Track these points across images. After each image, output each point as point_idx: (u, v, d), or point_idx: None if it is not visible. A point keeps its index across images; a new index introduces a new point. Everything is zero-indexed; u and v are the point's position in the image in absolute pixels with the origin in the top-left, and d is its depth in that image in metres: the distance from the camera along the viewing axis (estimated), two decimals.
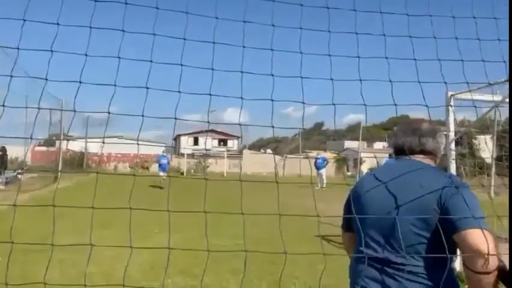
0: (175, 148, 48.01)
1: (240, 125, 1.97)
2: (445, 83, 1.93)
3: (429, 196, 1.45)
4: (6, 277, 1.44)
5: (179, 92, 2.19)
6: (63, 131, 19.20)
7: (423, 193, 1.46)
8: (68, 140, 22.82)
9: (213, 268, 4.71)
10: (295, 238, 6.55)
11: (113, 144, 31.06)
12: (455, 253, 1.42)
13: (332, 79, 2.84)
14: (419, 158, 1.68)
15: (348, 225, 1.83)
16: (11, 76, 1.67)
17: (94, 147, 28.66)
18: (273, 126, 1.79)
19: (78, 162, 25.29)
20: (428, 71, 3.37)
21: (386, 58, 2.87)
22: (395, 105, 1.77)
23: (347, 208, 1.79)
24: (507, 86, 4.28)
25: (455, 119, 5.35)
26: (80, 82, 1.63)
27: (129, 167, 33.64)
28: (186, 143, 44.71)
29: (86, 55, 1.70)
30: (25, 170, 16.07)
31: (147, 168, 33.85)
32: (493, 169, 13.81)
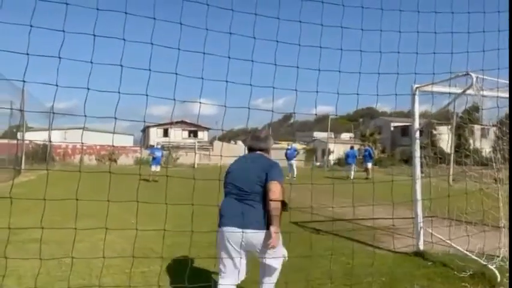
0: (144, 140, 47.03)
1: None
2: (415, 73, 2.15)
3: (262, 167, 3.17)
4: None
5: (149, 70, 2.25)
6: (25, 122, 18.39)
7: (260, 167, 3.18)
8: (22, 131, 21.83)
9: (192, 254, 4.82)
10: None
11: (77, 136, 29.98)
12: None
13: (297, 67, 2.99)
14: (259, 152, 3.40)
15: (225, 184, 3.35)
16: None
17: (57, 139, 27.60)
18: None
19: (41, 155, 24.28)
20: (393, 66, 3.60)
21: (361, 52, 3.06)
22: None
23: (226, 174, 3.37)
24: (465, 78, 4.63)
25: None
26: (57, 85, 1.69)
27: (95, 159, 32.68)
28: (156, 135, 43.90)
29: (59, 57, 1.75)
30: None
31: (115, 160, 33.01)
32: (452, 158, 14.62)
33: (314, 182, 8.13)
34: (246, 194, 3.10)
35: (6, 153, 17.01)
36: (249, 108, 2.87)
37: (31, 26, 1.73)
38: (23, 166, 17.61)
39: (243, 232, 2.98)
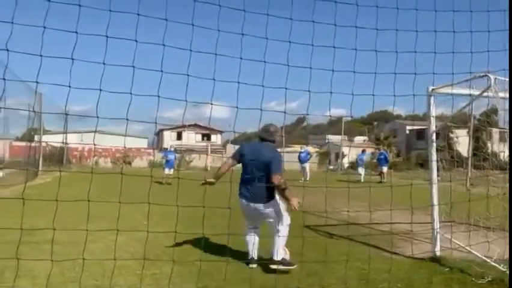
0: (158, 143, 47.46)
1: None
2: (433, 73, 2.08)
3: (268, 155, 4.29)
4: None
5: (161, 71, 2.23)
6: (42, 125, 18.76)
7: (266, 154, 4.31)
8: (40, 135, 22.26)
9: (203, 257, 4.80)
10: None
11: (93, 139, 30.40)
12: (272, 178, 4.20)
13: (310, 67, 2.94)
14: (266, 142, 4.52)
15: (236, 159, 4.57)
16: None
17: (73, 141, 28.06)
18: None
19: (58, 158, 24.72)
20: (408, 67, 3.52)
21: (376, 52, 3.00)
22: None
23: (239, 153, 4.56)
24: (483, 79, 4.49)
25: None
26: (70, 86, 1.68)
27: (111, 162, 33.11)
28: (169, 138, 44.26)
29: (72, 58, 1.74)
30: (4, 165, 15.64)
31: (129, 163, 33.40)
32: (470, 162, 14.27)
33: (327, 185, 8.01)
34: (255, 176, 4.36)
35: (24, 156, 17.37)
36: (261, 110, 2.83)
37: (44, 27, 1.73)
38: (40, 168, 17.95)
39: (251, 203, 4.38)
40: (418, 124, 43.97)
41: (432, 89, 5.24)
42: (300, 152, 19.94)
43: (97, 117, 2.05)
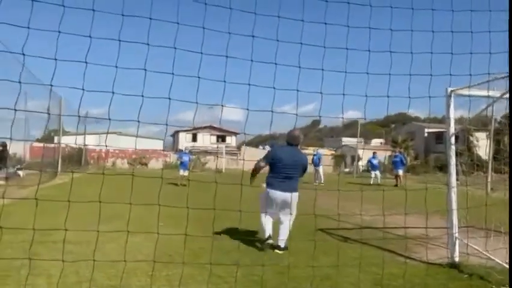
0: (173, 144, 47.94)
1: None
2: (450, 75, 2.02)
3: (298, 157, 5.60)
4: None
5: (171, 73, 2.23)
6: (62, 126, 19.19)
7: (298, 157, 5.62)
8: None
9: (216, 260, 4.80)
10: (296, 231, 6.66)
11: (111, 141, 30.95)
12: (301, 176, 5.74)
13: (322, 69, 2.89)
14: (294, 146, 5.68)
15: (267, 162, 5.57)
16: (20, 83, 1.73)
17: (91, 143, 28.58)
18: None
19: (76, 159, 25.25)
20: (425, 69, 3.44)
21: (390, 52, 2.94)
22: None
23: (271, 156, 5.59)
24: (505, 81, 4.35)
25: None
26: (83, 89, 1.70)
27: (127, 163, 33.59)
28: (184, 140, 44.64)
29: (86, 62, 1.76)
30: (24, 165, 16.06)
31: (145, 164, 33.83)
32: (490, 165, 13.88)
33: (341, 188, 7.95)
34: (293, 175, 5.51)
35: (44, 156, 17.80)
36: (272, 112, 2.81)
37: (59, 32, 1.76)
38: (59, 169, 18.35)
39: (288, 194, 5.42)
40: (437, 127, 43.11)
41: (451, 91, 5.11)
42: (314, 155, 19.82)
43: (109, 119, 2.07)
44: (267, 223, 5.53)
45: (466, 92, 4.89)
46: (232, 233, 6.05)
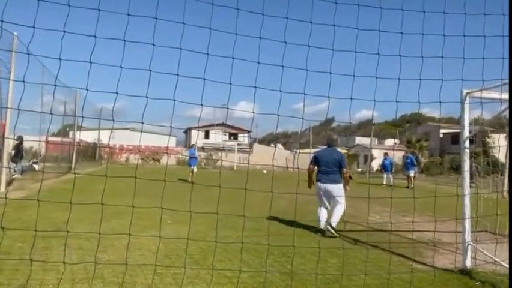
0: (186, 141, 48.25)
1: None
2: (462, 80, 1.96)
3: (337, 156, 7.00)
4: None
5: (177, 75, 2.21)
6: (77, 122, 19.49)
7: (336, 155, 7.01)
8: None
9: (224, 259, 4.81)
10: (305, 231, 6.63)
11: (124, 136, 31.36)
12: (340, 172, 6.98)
13: (330, 72, 2.83)
14: (332, 147, 7.36)
15: (315, 164, 7.08)
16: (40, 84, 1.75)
17: (105, 138, 29.00)
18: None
19: (91, 153, 25.65)
20: (443, 70, 3.35)
21: (400, 57, 2.88)
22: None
23: (315, 158, 7.10)
24: None
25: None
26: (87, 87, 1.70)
27: (140, 159, 33.96)
28: (197, 137, 44.89)
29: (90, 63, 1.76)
30: (40, 159, 16.37)
31: (158, 160, 34.15)
32: (507, 168, 13.52)
33: (354, 188, 7.88)
34: (330, 169, 6.80)
35: (59, 151, 18.12)
36: (278, 115, 2.79)
37: (64, 31, 1.77)
38: (73, 164, 18.67)
39: (327, 185, 6.78)
40: (453, 127, 42.29)
41: (467, 93, 4.99)
42: None
43: (113, 120, 2.08)
44: (321, 212, 6.79)
45: (480, 94, 4.76)
46: (242, 231, 6.05)
